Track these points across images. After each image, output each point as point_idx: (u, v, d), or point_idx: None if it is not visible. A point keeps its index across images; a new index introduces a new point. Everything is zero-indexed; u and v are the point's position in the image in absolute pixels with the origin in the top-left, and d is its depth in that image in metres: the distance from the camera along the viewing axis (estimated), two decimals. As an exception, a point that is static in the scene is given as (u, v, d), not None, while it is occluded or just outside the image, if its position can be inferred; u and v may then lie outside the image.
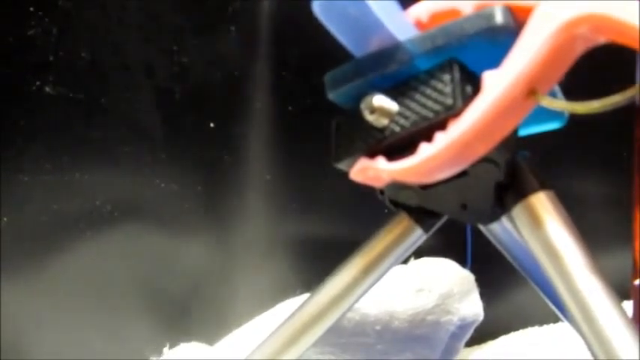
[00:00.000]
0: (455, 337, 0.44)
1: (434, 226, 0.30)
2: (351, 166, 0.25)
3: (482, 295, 0.45)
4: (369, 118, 0.24)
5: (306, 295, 0.32)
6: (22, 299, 0.40)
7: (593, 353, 0.22)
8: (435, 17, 0.27)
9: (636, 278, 0.31)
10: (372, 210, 0.36)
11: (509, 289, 0.55)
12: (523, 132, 0.29)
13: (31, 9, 0.37)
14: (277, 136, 0.45)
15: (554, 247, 0.24)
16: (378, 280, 0.30)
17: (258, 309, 0.44)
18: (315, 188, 0.46)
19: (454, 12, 0.26)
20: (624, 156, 0.55)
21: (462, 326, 0.44)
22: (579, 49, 0.21)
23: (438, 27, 0.24)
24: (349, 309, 0.31)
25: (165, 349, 0.43)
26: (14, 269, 0.40)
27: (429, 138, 0.23)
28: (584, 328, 0.22)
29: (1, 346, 0.39)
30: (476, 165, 0.24)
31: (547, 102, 0.21)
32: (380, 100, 0.24)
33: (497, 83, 0.21)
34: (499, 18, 0.22)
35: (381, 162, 0.24)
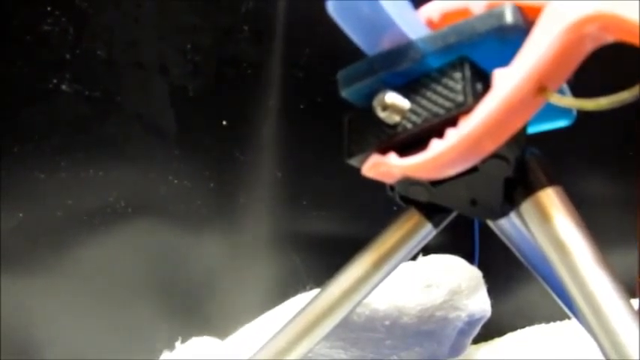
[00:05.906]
0: (463, 333, 0.44)
1: (443, 221, 0.30)
2: (362, 162, 0.26)
3: (490, 292, 0.45)
4: (381, 114, 0.25)
5: (316, 291, 0.32)
6: (36, 294, 0.41)
7: (601, 348, 0.22)
8: (446, 16, 0.27)
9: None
10: (382, 206, 0.36)
11: (517, 287, 0.55)
12: (532, 130, 0.29)
13: (49, 8, 0.38)
14: (289, 133, 0.45)
15: (562, 242, 0.24)
16: (388, 275, 0.30)
17: (268, 304, 0.44)
18: (326, 185, 0.46)
19: (465, 11, 0.26)
20: (630, 155, 0.55)
21: (470, 322, 0.44)
22: (588, 47, 0.21)
23: (450, 26, 0.24)
24: (359, 304, 0.31)
25: (178, 343, 0.43)
26: (29, 265, 0.40)
27: (440, 134, 0.23)
28: (592, 323, 0.22)
29: (15, 342, 0.40)
30: (486, 161, 0.25)
31: (556, 99, 0.21)
32: (392, 98, 0.24)
33: (508, 80, 0.21)
34: (509, 17, 0.23)
35: (392, 158, 0.24)
